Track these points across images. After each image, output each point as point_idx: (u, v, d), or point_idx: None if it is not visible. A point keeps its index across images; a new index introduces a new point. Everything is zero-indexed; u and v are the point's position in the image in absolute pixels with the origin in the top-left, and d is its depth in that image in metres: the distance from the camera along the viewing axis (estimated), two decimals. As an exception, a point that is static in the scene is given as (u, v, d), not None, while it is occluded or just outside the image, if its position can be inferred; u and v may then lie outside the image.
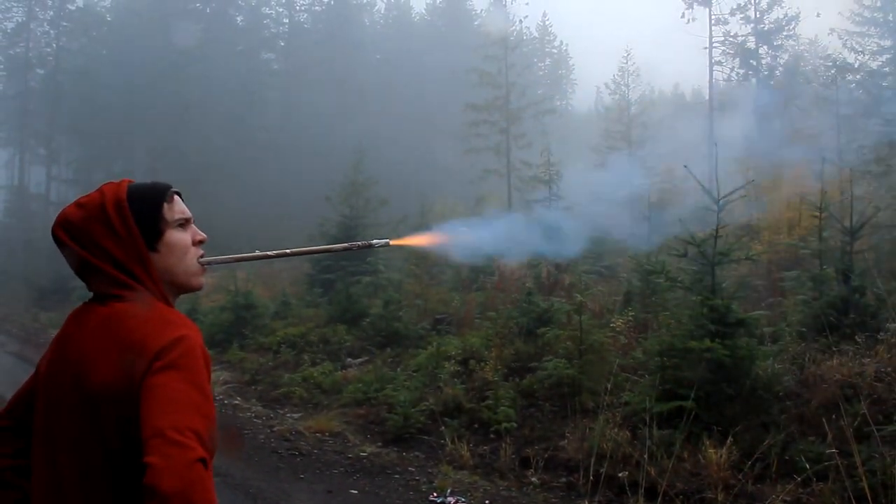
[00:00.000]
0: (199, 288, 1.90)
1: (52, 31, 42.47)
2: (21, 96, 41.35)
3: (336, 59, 41.36)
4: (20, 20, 42.27)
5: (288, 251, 1.94)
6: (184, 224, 1.85)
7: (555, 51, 52.02)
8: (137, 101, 37.73)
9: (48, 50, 42.43)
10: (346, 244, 1.97)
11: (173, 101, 38.18)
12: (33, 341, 19.10)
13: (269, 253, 1.93)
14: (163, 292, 1.77)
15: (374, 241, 1.94)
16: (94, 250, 1.73)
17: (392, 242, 1.94)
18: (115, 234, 1.73)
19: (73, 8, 42.65)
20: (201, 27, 40.18)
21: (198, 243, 1.88)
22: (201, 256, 1.88)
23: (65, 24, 42.12)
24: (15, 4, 42.09)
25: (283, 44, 45.92)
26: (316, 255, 2.02)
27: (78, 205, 1.77)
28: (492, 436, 7.71)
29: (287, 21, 46.61)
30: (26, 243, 38.32)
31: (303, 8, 47.00)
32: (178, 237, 1.82)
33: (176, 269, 1.81)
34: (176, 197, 1.86)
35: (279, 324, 16.06)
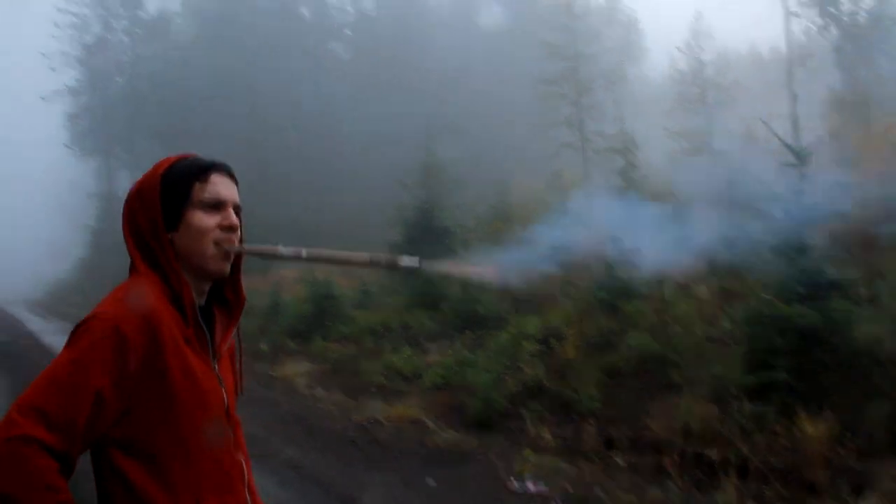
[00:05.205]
0: (217, 274, 1.82)
1: (126, 40, 43.69)
2: (104, 106, 42.76)
3: (402, 44, 41.32)
4: (98, 33, 43.63)
5: (304, 252, 1.84)
6: (216, 206, 1.79)
7: (624, 17, 50.78)
8: (212, 101, 38.49)
9: (124, 58, 43.69)
10: (369, 257, 1.82)
11: (246, 98, 38.81)
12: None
13: (282, 251, 1.85)
14: (177, 273, 1.73)
15: (404, 260, 1.75)
16: (127, 220, 1.78)
17: (424, 266, 1.75)
18: (145, 207, 1.75)
19: (145, 15, 43.78)
20: (269, 24, 40.71)
21: (224, 228, 1.79)
22: (227, 242, 1.80)
23: (138, 31, 43.25)
24: (92, 19, 43.47)
25: (349, 33, 46.09)
26: (357, 259, 1.85)
27: (143, 175, 1.83)
28: (574, 417, 7.44)
29: (352, 10, 46.76)
30: (117, 246, 39.73)
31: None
32: (198, 218, 1.77)
33: (191, 250, 1.77)
34: (215, 177, 1.81)
35: (360, 313, 16.08)
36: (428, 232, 18.52)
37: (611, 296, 10.08)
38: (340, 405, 9.50)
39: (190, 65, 40.23)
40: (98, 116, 43.31)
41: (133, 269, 1.76)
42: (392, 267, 1.75)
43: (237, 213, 1.85)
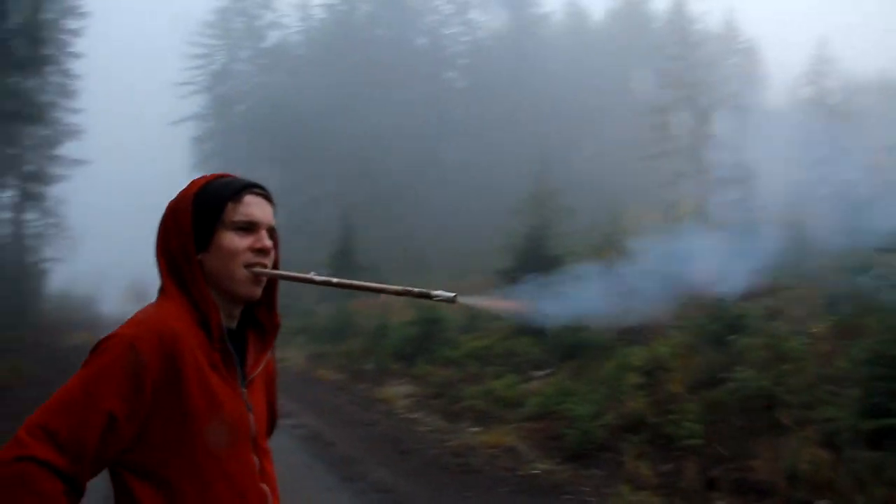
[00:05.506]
0: (247, 297, 1.75)
1: (249, 69, 45.79)
2: (227, 131, 44.85)
3: (516, 73, 41.46)
4: (224, 62, 45.93)
5: (334, 280, 1.78)
6: (247, 227, 1.72)
7: (743, 46, 49.42)
8: (330, 127, 39.58)
9: (247, 86, 45.77)
10: (401, 288, 1.70)
11: (363, 125, 39.70)
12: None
13: (315, 278, 1.78)
14: (205, 295, 1.68)
15: (437, 292, 1.63)
16: (161, 240, 1.73)
17: (459, 299, 1.62)
18: (177, 227, 1.70)
19: (267, 46, 45.73)
20: (386, 53, 41.64)
21: (256, 251, 1.71)
22: (257, 265, 1.73)
23: (260, 60, 45.26)
24: (218, 49, 45.82)
25: (464, 62, 46.63)
26: (389, 289, 1.79)
27: (178, 193, 1.76)
28: (676, 453, 7.12)
29: (467, 39, 47.35)
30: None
31: (481, 25, 47.64)
32: (228, 239, 1.71)
33: (220, 272, 1.71)
34: (249, 198, 1.74)
35: (466, 337, 16.03)
36: (537, 259, 18.34)
37: (721, 329, 9.68)
38: (438, 429, 9.46)
39: (308, 92, 41.58)
40: (221, 141, 45.45)
41: (161, 289, 1.71)
42: (425, 298, 1.63)
43: (272, 236, 1.78)
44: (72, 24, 30.92)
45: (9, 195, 29.94)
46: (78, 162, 32.72)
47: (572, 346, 12.55)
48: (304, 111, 40.92)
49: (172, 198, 1.76)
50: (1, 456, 1.43)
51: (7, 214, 30.45)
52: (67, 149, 32.61)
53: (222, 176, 1.79)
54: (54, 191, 31.93)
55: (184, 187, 1.76)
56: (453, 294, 1.63)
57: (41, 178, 30.86)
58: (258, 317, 1.86)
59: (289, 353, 19.09)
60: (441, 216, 36.39)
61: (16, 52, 22.09)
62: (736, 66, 47.51)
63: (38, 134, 29.49)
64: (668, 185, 26.22)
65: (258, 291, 1.75)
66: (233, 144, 44.45)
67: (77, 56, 31.64)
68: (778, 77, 44.73)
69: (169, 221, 1.73)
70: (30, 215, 31.42)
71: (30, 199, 30.33)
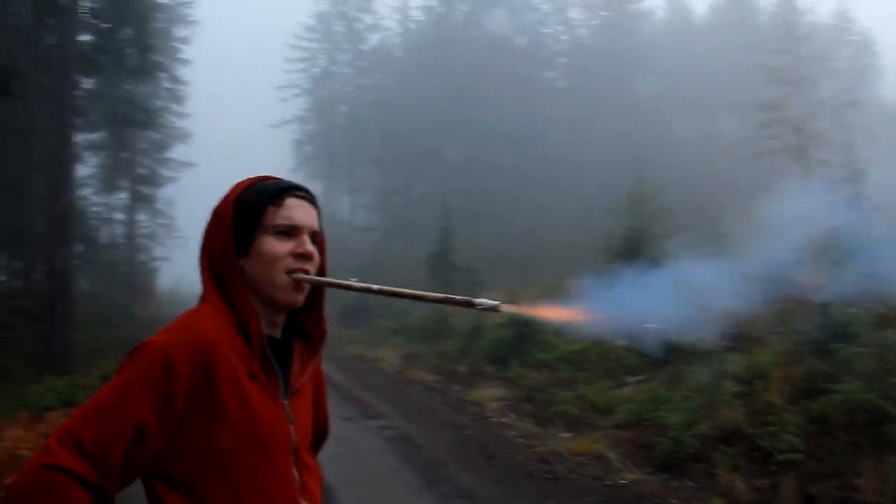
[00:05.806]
0: (288, 305, 1.68)
1: (350, 71, 46.65)
2: (328, 133, 45.81)
3: (617, 71, 40.78)
4: (324, 65, 47.00)
5: (374, 287, 1.71)
6: (288, 232, 1.66)
7: (856, 38, 47.15)
8: (429, 128, 39.87)
9: (348, 89, 46.62)
10: (442, 295, 1.62)
11: (462, 126, 39.80)
12: (333, 355, 20.57)
13: (355, 285, 1.72)
14: (246, 302, 1.62)
15: (480, 300, 1.54)
16: (203, 245, 1.68)
17: (504, 307, 1.53)
18: (218, 231, 1.65)
19: (367, 48, 46.48)
20: (485, 53, 41.64)
21: (297, 256, 1.65)
22: (298, 271, 1.66)
23: (360, 63, 46.00)
24: (319, 53, 46.92)
25: (564, 61, 46.14)
26: (429, 296, 1.74)
27: (223, 196, 1.71)
28: (773, 467, 6.78)
29: (566, 38, 46.84)
30: (333, 268, 42.35)
31: (581, 23, 47.02)
32: (268, 244, 1.64)
33: (261, 278, 1.64)
34: (290, 201, 1.67)
35: (560, 340, 15.82)
36: (635, 260, 17.96)
37: (826, 337, 9.20)
38: (526, 434, 9.32)
39: (408, 93, 42.01)
40: (322, 143, 46.45)
41: (202, 296, 1.66)
42: (467, 307, 1.54)
43: (316, 241, 1.72)
44: (181, 32, 32.35)
45: (122, 197, 31.50)
46: (185, 164, 34.20)
47: (668, 351, 12.21)
48: (403, 112, 41.36)
49: (217, 202, 1.71)
50: (30, 463, 1.41)
51: (121, 216, 32.06)
52: (176, 152, 34.17)
53: (266, 178, 1.73)
54: (163, 193, 33.50)
55: (228, 190, 1.71)
56: (496, 302, 1.55)
57: (151, 180, 32.39)
58: (304, 325, 1.80)
59: (384, 354, 19.24)
60: (541, 217, 36.11)
61: (129, 61, 23.08)
62: (848, 59, 45.44)
63: (149, 138, 30.89)
64: (774, 183, 25.24)
65: (300, 298, 1.69)
66: (333, 146, 45.36)
67: (185, 63, 33.13)
68: (894, 71, 42.59)
69: (211, 226, 1.68)
70: (141, 216, 32.98)
71: (141, 200, 31.86)
